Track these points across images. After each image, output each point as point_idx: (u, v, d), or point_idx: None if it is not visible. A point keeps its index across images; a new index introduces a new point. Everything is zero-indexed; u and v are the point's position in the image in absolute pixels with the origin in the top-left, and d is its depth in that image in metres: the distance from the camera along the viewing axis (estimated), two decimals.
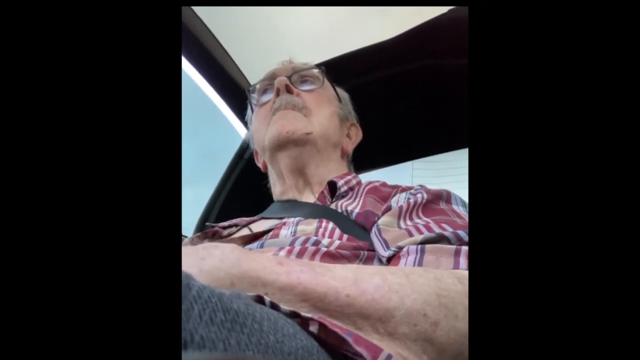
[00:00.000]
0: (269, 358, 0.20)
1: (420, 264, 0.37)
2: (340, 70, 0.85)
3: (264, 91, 0.75)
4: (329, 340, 0.25)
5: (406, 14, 0.84)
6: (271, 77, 0.73)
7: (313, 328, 0.26)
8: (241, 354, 0.18)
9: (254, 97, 0.76)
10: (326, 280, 0.29)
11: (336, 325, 0.26)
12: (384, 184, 0.63)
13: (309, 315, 0.26)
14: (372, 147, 0.81)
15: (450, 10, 0.82)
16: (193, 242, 0.59)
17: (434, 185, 0.56)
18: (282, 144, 0.65)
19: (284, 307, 0.25)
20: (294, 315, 0.26)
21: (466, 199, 0.50)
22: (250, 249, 0.44)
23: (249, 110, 0.80)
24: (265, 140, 0.67)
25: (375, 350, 0.26)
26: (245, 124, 0.88)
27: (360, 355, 0.25)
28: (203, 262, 0.28)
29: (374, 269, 0.32)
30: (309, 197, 0.66)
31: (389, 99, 0.96)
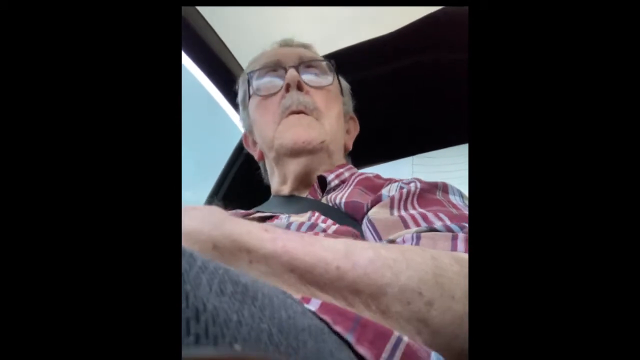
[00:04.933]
0: (285, 332, 0.18)
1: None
2: (340, 65, 0.84)
3: (266, 74, 0.70)
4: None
5: (403, 18, 0.84)
6: (276, 64, 0.69)
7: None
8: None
9: (254, 80, 0.71)
10: (315, 250, 0.27)
11: (339, 315, 0.24)
12: (377, 176, 0.61)
13: (310, 308, 0.24)
14: (372, 143, 0.81)
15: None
16: None
17: (434, 180, 0.55)
18: (296, 153, 0.63)
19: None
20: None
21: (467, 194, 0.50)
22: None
23: (244, 92, 0.75)
24: (274, 142, 0.65)
25: (379, 345, 0.23)
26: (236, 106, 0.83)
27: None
28: (182, 223, 0.26)
29: (367, 243, 0.31)
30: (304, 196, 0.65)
31: (389, 94, 0.96)
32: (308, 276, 0.27)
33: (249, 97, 0.72)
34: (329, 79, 0.70)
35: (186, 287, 0.15)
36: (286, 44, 0.74)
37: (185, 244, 0.25)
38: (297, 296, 0.25)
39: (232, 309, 0.16)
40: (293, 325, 0.19)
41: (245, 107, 0.74)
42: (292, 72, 0.66)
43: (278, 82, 0.68)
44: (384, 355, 0.23)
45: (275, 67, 0.70)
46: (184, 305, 0.14)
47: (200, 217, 0.27)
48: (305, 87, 0.66)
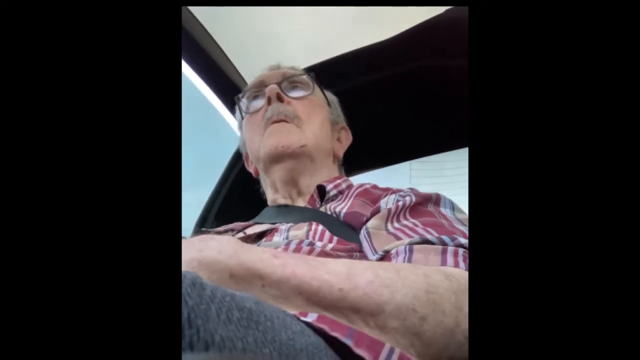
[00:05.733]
0: (284, 355, 0.20)
1: (409, 262, 0.37)
2: (340, 70, 0.85)
3: (254, 97, 0.75)
4: (331, 341, 0.26)
5: (403, 18, 0.84)
6: (260, 84, 0.73)
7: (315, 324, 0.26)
8: (240, 355, 0.18)
9: (243, 102, 0.77)
10: (320, 274, 0.30)
11: (336, 324, 0.27)
12: (374, 187, 0.63)
13: (308, 320, 0.26)
14: (369, 148, 0.81)
15: (448, 10, 0.82)
16: None
17: (432, 186, 0.56)
18: (277, 158, 0.66)
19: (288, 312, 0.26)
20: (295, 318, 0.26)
21: (466, 198, 0.50)
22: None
23: (238, 116, 0.80)
24: (259, 152, 0.68)
25: (376, 348, 0.26)
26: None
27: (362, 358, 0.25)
28: (201, 254, 0.29)
29: (366, 264, 0.33)
30: (301, 205, 0.66)
31: (387, 99, 0.96)
32: (314, 298, 0.29)
33: (242, 118, 0.77)
34: (309, 89, 0.74)
35: (197, 321, 0.16)
36: (273, 68, 0.78)
37: (205, 273, 0.28)
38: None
39: (238, 337, 0.18)
40: (292, 346, 0.21)
41: (241, 128, 0.78)
42: (271, 86, 0.69)
43: (263, 101, 0.71)
44: (381, 358, 0.26)
45: (260, 87, 0.74)
46: (195, 339, 0.16)
47: (217, 248, 0.30)
48: (286, 98, 0.70)
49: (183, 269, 0.28)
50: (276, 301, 0.29)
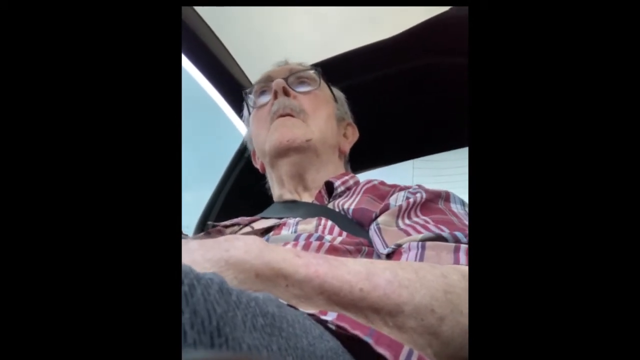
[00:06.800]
0: None
1: (421, 259, 0.37)
2: (341, 69, 0.85)
3: (261, 93, 0.76)
4: (349, 343, 0.26)
5: (403, 18, 0.84)
6: (267, 79, 0.74)
7: (332, 326, 0.27)
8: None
9: (250, 98, 0.77)
10: (341, 274, 0.30)
11: (356, 324, 0.27)
12: (382, 183, 0.63)
13: (328, 318, 0.27)
14: (373, 146, 0.81)
15: (450, 9, 0.81)
16: None
17: (435, 184, 0.56)
18: (282, 152, 0.66)
19: (305, 312, 0.27)
20: (315, 317, 0.27)
21: (466, 198, 0.50)
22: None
23: (245, 111, 0.81)
24: (265, 146, 0.68)
25: (397, 348, 0.27)
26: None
27: (383, 357, 0.26)
28: (228, 253, 0.30)
29: (385, 264, 0.34)
30: (308, 200, 0.66)
31: (390, 97, 0.96)
32: (334, 298, 0.30)
33: (249, 114, 0.77)
34: (316, 84, 0.74)
35: (226, 329, 0.17)
36: (280, 64, 0.78)
37: (232, 272, 0.29)
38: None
39: (263, 344, 0.19)
40: (313, 353, 0.22)
41: (249, 124, 0.79)
42: (277, 80, 0.69)
43: (270, 96, 0.72)
44: (401, 358, 0.26)
45: (267, 82, 0.74)
46: (224, 348, 0.16)
47: (243, 248, 0.30)
48: (293, 93, 0.70)
49: (210, 268, 0.29)
50: (298, 300, 0.29)
